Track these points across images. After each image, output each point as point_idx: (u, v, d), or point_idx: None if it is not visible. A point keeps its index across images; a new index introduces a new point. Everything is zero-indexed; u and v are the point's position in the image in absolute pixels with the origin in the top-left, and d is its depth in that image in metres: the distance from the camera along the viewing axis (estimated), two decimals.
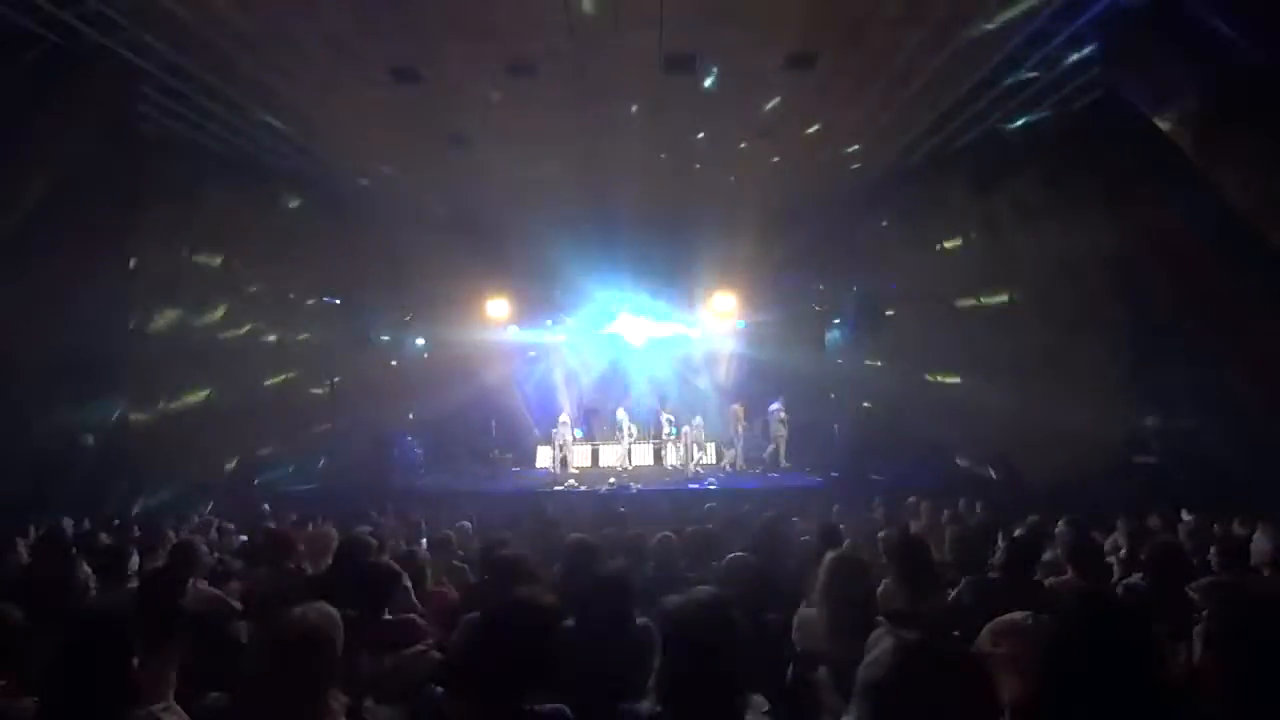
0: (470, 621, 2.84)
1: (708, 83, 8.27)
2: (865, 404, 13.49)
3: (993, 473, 8.68)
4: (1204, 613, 2.44)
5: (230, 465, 10.90)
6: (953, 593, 3.35)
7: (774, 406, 13.82)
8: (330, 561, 4.03)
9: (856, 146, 10.58)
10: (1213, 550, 3.91)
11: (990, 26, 7.11)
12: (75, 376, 8.14)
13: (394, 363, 14.85)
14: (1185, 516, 5.51)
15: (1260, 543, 3.93)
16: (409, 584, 3.49)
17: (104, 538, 5.63)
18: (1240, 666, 1.63)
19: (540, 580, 3.21)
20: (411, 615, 3.08)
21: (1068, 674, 1.66)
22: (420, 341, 15.42)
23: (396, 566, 3.22)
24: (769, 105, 8.98)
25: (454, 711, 1.91)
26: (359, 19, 6.88)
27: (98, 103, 7.59)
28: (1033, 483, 9.34)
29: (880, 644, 1.53)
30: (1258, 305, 6.92)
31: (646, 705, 1.79)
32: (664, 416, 14.73)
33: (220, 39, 7.16)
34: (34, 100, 6.96)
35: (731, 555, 3.37)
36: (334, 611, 1.94)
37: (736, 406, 14.05)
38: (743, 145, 10.31)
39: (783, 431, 13.70)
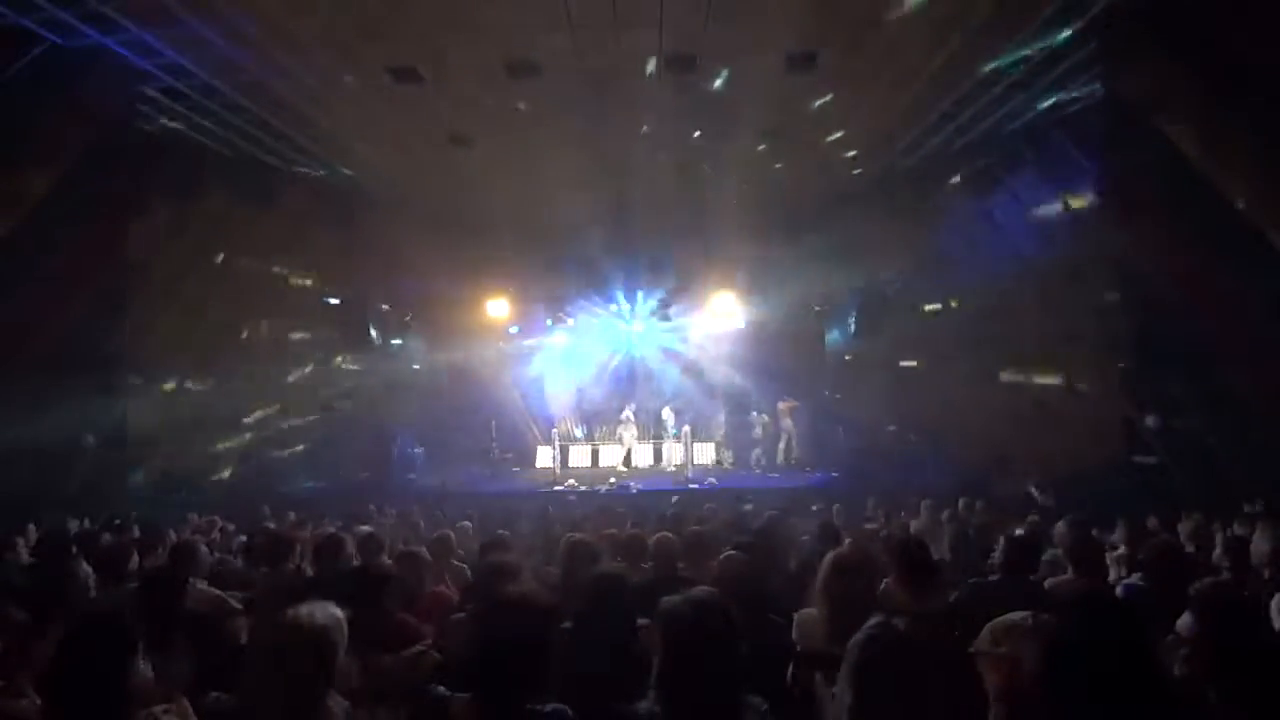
0: (461, 622, 2.84)
1: (715, 84, 8.27)
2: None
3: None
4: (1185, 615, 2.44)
5: (230, 465, 10.90)
6: (954, 593, 3.35)
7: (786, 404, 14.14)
8: (317, 564, 4.04)
9: (857, 146, 10.58)
10: (1217, 552, 3.91)
11: (990, 26, 7.11)
12: (75, 376, 8.14)
13: (394, 362, 14.85)
14: (1184, 519, 5.50)
15: (1259, 543, 3.92)
16: (405, 583, 3.49)
17: (104, 538, 5.63)
18: (1219, 669, 1.64)
19: (520, 576, 3.18)
20: (407, 616, 3.08)
21: (1067, 674, 1.67)
22: (420, 341, 15.42)
23: (388, 566, 3.22)
24: (769, 105, 8.99)
25: (455, 711, 1.91)
26: (359, 19, 6.89)
27: (98, 103, 7.59)
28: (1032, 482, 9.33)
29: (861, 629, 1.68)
30: (1258, 305, 6.91)
31: (645, 705, 1.80)
32: (679, 414, 14.72)
33: (220, 39, 7.16)
34: (34, 100, 6.96)
35: (726, 554, 3.36)
36: (338, 612, 1.94)
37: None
38: (742, 145, 10.31)
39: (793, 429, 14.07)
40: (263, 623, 2.81)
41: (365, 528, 5.84)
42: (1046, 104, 8.85)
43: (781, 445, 14.10)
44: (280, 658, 1.84)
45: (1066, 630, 1.72)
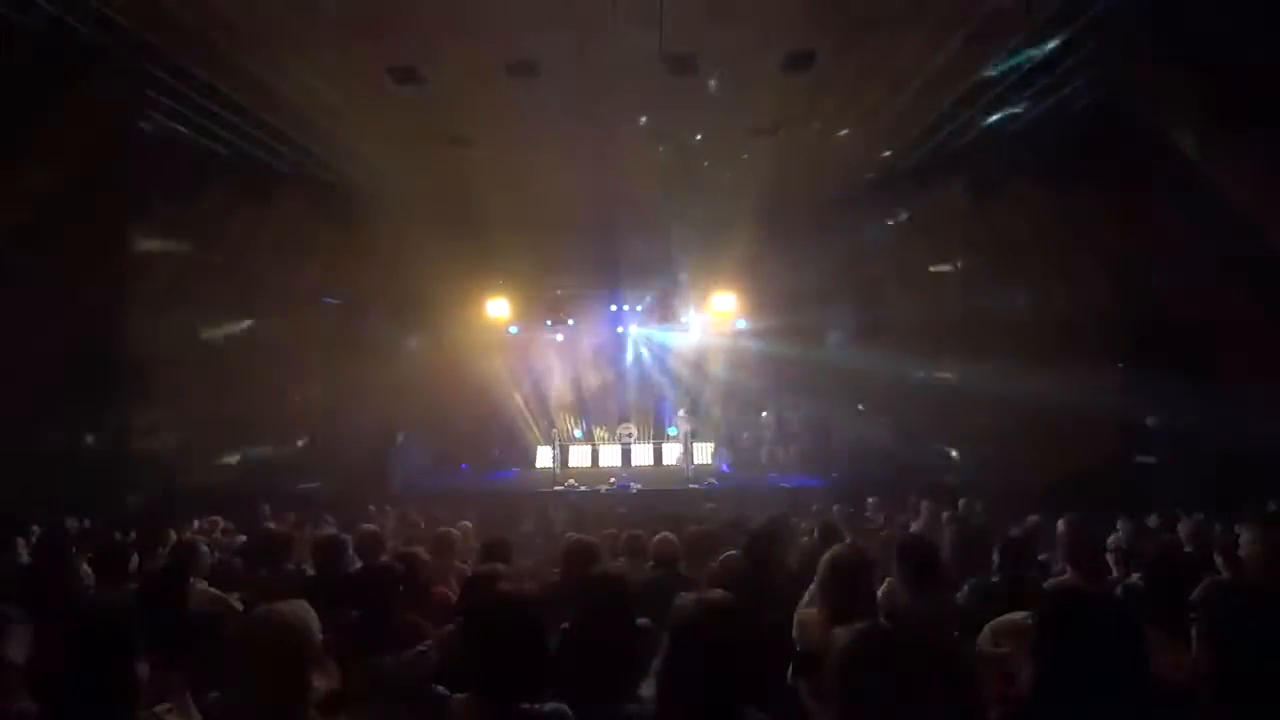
0: (456, 631, 2.85)
1: (715, 84, 8.27)
2: (860, 406, 13.59)
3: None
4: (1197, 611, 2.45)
5: (231, 464, 10.90)
6: (954, 594, 3.35)
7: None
8: (317, 565, 4.04)
9: (856, 147, 10.58)
10: (1219, 555, 3.90)
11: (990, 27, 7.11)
12: (75, 377, 8.13)
13: (393, 363, 14.83)
14: (1184, 519, 5.50)
15: (1256, 544, 3.91)
16: (405, 583, 3.48)
17: (104, 537, 5.63)
18: (1232, 664, 1.64)
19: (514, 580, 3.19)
20: (407, 616, 3.07)
21: (1057, 673, 1.67)
22: (420, 341, 15.41)
23: (396, 566, 3.22)
24: (769, 105, 8.98)
25: (454, 711, 1.91)
26: (359, 19, 6.89)
27: (98, 103, 7.58)
28: (1032, 482, 9.33)
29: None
30: (1258, 305, 6.92)
31: (646, 694, 1.81)
32: (678, 414, 14.75)
33: (220, 39, 7.16)
34: (34, 100, 6.96)
35: (726, 554, 3.37)
36: (304, 605, 1.94)
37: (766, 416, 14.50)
38: (742, 145, 10.31)
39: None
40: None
41: (365, 527, 5.84)
42: (1046, 105, 8.84)
43: (775, 449, 14.18)
44: (250, 653, 1.85)
45: (1052, 630, 1.72)
